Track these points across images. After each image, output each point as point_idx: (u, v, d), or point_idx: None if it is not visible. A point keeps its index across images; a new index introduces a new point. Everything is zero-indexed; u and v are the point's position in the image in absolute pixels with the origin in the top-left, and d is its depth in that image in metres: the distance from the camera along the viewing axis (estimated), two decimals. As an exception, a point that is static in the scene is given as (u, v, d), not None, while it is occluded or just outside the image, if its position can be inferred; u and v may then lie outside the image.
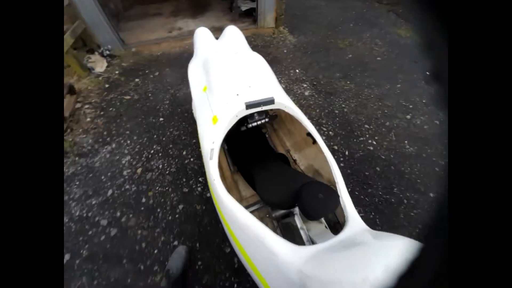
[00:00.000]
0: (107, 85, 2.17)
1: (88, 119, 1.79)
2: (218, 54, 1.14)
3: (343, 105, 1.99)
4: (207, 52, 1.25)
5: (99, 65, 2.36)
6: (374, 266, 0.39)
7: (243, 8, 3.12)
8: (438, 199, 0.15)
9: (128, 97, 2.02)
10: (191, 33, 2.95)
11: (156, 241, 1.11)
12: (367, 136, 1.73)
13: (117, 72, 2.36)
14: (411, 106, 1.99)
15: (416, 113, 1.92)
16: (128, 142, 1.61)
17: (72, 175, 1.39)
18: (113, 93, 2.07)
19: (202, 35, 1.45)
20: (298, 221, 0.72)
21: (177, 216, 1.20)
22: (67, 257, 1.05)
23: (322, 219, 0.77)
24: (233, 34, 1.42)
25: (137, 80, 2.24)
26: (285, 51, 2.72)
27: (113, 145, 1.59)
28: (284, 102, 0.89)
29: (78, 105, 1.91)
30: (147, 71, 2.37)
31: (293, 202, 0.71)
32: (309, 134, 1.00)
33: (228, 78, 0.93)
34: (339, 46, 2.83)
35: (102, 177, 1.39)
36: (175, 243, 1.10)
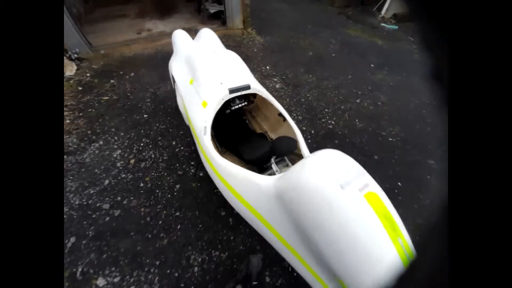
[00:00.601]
0: (80, 88, 2.15)
1: (67, 121, 1.79)
2: (200, 53, 1.36)
3: (308, 95, 2.38)
4: (188, 51, 1.45)
5: (68, 68, 2.30)
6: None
7: (212, 11, 3.32)
8: (438, 200, 0.14)
9: (106, 98, 2.05)
10: (161, 34, 3.06)
11: (159, 215, 1.28)
12: (327, 118, 2.14)
13: (88, 74, 2.33)
14: (359, 93, 2.50)
15: (363, 98, 2.43)
16: (116, 138, 1.69)
17: (65, 173, 1.44)
18: (88, 95, 2.07)
19: (181, 36, 1.63)
20: (274, 166, 1.01)
21: (175, 194, 1.39)
22: (72, 240, 1.15)
23: (289, 163, 1.08)
24: (209, 35, 1.65)
25: (112, 81, 2.27)
26: (255, 50, 3.02)
27: (100, 142, 1.65)
28: (258, 88, 1.17)
29: (52, 108, 1.88)
30: (121, 72, 2.40)
31: (269, 155, 1.00)
32: (280, 114, 1.31)
33: (212, 71, 1.18)
34: (301, 45, 3.27)
35: (96, 170, 1.47)
36: (177, 213, 1.29)
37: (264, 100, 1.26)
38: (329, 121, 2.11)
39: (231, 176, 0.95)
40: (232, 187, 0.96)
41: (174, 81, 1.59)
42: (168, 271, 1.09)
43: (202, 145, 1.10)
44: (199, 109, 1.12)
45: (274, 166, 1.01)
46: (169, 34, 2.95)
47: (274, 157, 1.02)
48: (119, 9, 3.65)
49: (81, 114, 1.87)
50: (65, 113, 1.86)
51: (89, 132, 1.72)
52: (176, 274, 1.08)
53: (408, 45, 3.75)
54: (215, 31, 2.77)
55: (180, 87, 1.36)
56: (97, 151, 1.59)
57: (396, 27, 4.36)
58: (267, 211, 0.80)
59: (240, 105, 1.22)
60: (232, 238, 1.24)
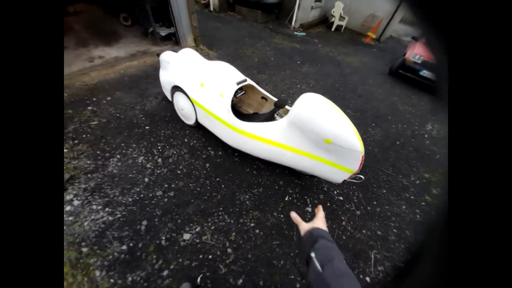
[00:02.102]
0: (54, 120, 2.09)
1: (66, 150, 1.81)
2: (201, 64, 1.92)
3: (266, 87, 3.23)
4: (188, 65, 1.95)
5: (26, 104, 2.14)
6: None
7: (163, 34, 3.68)
8: (438, 200, 0.15)
9: (95, 122, 2.12)
10: (117, 59, 3.22)
11: (205, 184, 1.70)
12: (284, 96, 3.05)
13: (54, 107, 2.25)
14: (297, 81, 3.58)
15: (301, 84, 3.52)
16: (130, 150, 1.90)
17: (97, 185, 1.57)
18: (71, 125, 2.07)
19: (171, 55, 2.07)
20: (277, 116, 1.72)
21: (208, 169, 1.83)
22: (144, 223, 1.41)
23: (283, 115, 1.82)
24: (192, 52, 2.17)
25: (90, 108, 2.30)
26: (213, 62, 3.64)
27: (118, 156, 1.82)
28: (249, 80, 1.84)
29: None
30: (94, 99, 2.44)
31: (273, 112, 1.71)
32: (263, 97, 2.03)
33: (221, 73, 1.78)
34: (247, 54, 4.15)
35: (130, 175, 1.68)
36: (217, 179, 1.75)
37: (248, 90, 1.96)
38: (284, 98, 3.02)
39: (255, 129, 1.57)
40: (257, 136, 1.58)
41: (174, 90, 2.01)
42: (230, 209, 1.57)
43: (227, 121, 1.66)
44: (218, 99, 1.68)
45: (277, 116, 1.72)
46: (126, 58, 3.18)
47: (278, 111, 1.74)
48: (47, 39, 3.33)
49: (76, 141, 1.90)
50: (56, 144, 1.85)
51: (98, 152, 1.83)
52: (237, 209, 1.58)
53: (315, 46, 5.41)
54: (171, 49, 3.33)
55: (190, 90, 1.83)
56: (119, 163, 1.77)
57: (304, 33, 6.08)
58: (285, 137, 1.48)
59: (240, 94, 1.86)
60: (260, 180, 1.83)
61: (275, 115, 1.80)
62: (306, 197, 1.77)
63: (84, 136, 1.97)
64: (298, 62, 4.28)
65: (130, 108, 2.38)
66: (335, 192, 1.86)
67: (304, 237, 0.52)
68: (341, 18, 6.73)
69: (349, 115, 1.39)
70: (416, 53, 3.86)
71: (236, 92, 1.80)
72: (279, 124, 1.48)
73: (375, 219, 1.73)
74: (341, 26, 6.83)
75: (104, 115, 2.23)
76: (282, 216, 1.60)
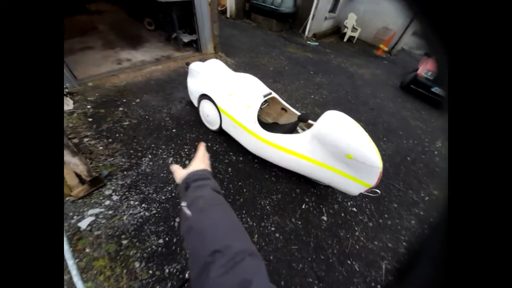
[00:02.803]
0: (90, 119, 2.28)
1: (101, 148, 1.98)
2: (230, 75, 2.08)
3: (282, 96, 3.37)
4: (217, 76, 2.12)
5: (65, 103, 2.34)
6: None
7: (185, 40, 3.88)
8: (438, 201, 0.15)
9: (127, 123, 2.30)
10: (144, 63, 3.41)
11: (228, 188, 1.84)
12: (299, 106, 3.19)
13: (89, 106, 2.44)
14: (311, 91, 3.72)
15: (314, 94, 3.65)
16: (160, 151, 2.06)
17: (133, 182, 1.72)
18: (105, 124, 2.25)
19: (200, 66, 2.24)
20: (300, 129, 1.85)
21: (231, 173, 1.97)
22: (177, 220, 1.56)
23: (305, 128, 1.95)
24: (219, 63, 2.34)
25: (121, 109, 2.48)
26: (231, 69, 3.81)
27: (149, 156, 1.98)
28: (273, 93, 1.99)
29: (75, 140, 1.99)
30: (124, 100, 2.62)
31: (295, 125, 1.84)
32: (283, 108, 2.18)
33: (249, 86, 1.93)
34: (262, 63, 4.32)
35: (161, 175, 1.83)
36: (240, 183, 1.89)
37: (270, 100, 2.11)
38: (300, 108, 3.15)
39: (279, 140, 1.71)
40: (281, 146, 1.71)
41: (201, 97, 2.17)
42: (252, 213, 1.70)
43: (252, 130, 1.80)
44: (245, 110, 1.83)
45: (300, 130, 1.86)
46: (151, 63, 3.38)
47: (299, 124, 1.88)
48: (79, 41, 3.57)
49: (110, 140, 2.07)
50: (93, 141, 2.02)
51: (131, 151, 2.00)
52: (258, 213, 1.71)
53: (327, 56, 5.55)
54: (192, 56, 3.56)
55: (218, 99, 1.98)
56: (151, 163, 1.93)
57: (317, 43, 6.24)
58: (307, 149, 1.61)
59: (265, 105, 2.00)
60: (278, 187, 1.96)
61: (298, 128, 1.94)
62: (321, 206, 1.89)
63: (117, 135, 2.14)
64: (311, 72, 4.43)
65: (158, 111, 2.55)
66: (349, 203, 1.97)
67: (179, 188, 0.45)
68: (354, 29, 6.88)
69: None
70: (429, 69, 3.95)
71: (261, 104, 1.94)
72: (303, 137, 1.62)
73: (386, 232, 1.83)
74: (353, 37, 6.97)
75: (135, 116, 2.40)
76: (299, 222, 1.72)
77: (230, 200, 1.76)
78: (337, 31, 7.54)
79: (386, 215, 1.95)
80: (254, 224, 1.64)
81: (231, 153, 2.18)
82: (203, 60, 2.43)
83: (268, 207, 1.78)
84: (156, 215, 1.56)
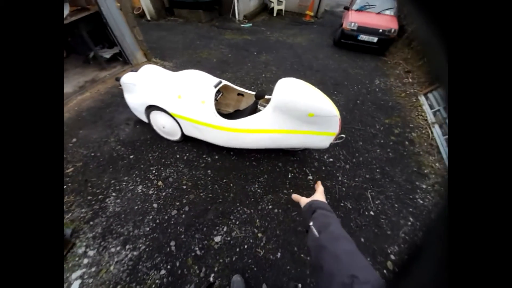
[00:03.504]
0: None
1: (48, 208, 1.63)
2: (173, 77, 1.90)
3: (234, 83, 3.30)
4: (158, 78, 1.91)
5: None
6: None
7: (107, 56, 3.35)
8: (438, 201, 0.15)
9: (70, 169, 1.92)
10: (65, 96, 2.81)
11: (214, 189, 1.77)
12: (254, 88, 3.19)
13: (9, 168, 1.94)
14: (260, 71, 3.75)
15: (264, 71, 3.70)
16: (124, 184, 1.81)
17: (106, 229, 1.49)
18: (41, 181, 1.84)
19: (132, 76, 1.97)
20: (261, 107, 1.87)
21: (211, 175, 1.89)
22: (172, 243, 1.43)
23: (265, 104, 1.97)
24: (153, 67, 2.10)
25: (55, 156, 2.05)
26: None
27: (113, 194, 1.72)
28: (224, 81, 1.92)
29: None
30: (55, 146, 2.17)
31: (255, 107, 1.84)
32: (239, 94, 2.14)
33: (197, 81, 1.82)
34: (203, 56, 4.10)
35: (135, 207, 1.63)
36: (224, 180, 1.84)
37: (224, 90, 2.04)
38: (253, 87, 3.17)
39: (245, 124, 1.69)
40: (249, 129, 1.70)
41: (149, 110, 1.95)
42: (246, 202, 1.69)
43: (216, 124, 1.73)
44: (201, 107, 1.72)
45: (261, 107, 1.87)
46: (75, 92, 2.85)
47: (259, 102, 1.88)
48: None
49: (56, 195, 1.72)
50: (34, 206, 1.64)
51: (89, 197, 1.70)
52: (252, 199, 1.71)
53: (264, 34, 5.61)
54: (122, 71, 3.17)
55: (168, 106, 1.81)
56: (118, 200, 1.68)
57: (250, 24, 6.21)
58: (273, 122, 1.64)
59: (219, 96, 1.92)
60: (262, 168, 1.98)
61: (258, 106, 1.94)
62: (304, 168, 2.01)
63: (65, 187, 1.78)
64: (255, 53, 4.43)
65: (103, 142, 2.20)
66: (325, 156, 2.14)
67: (303, 209, 0.56)
68: (279, 2, 7.05)
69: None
70: (351, 21, 4.40)
71: (215, 95, 1.86)
72: (266, 113, 1.63)
73: (361, 167, 2.08)
74: (281, 10, 7.17)
75: (77, 159, 2.02)
76: (291, 191, 1.80)
77: (220, 200, 1.70)
78: (265, 8, 7.61)
79: (356, 154, 2.21)
80: (252, 211, 1.64)
81: (204, 156, 2.07)
82: (135, 70, 2.14)
83: (259, 190, 1.79)
84: (147, 249, 1.40)
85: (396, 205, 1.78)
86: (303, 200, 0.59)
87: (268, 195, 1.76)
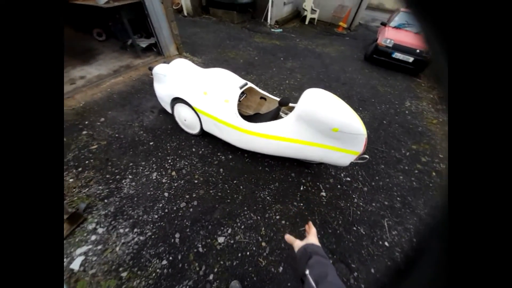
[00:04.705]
0: (49, 151, 1.98)
1: (71, 180, 1.74)
2: (201, 73, 1.95)
3: (257, 86, 3.31)
4: (187, 76, 1.97)
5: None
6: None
7: (143, 45, 3.56)
8: (439, 202, 0.15)
9: (95, 146, 2.05)
10: (100, 77, 3.08)
11: (224, 188, 1.77)
12: (276, 93, 3.17)
13: (44, 137, 2.12)
14: (285, 77, 3.73)
15: (288, 78, 3.67)
16: (141, 168, 1.88)
17: (118, 209, 1.55)
18: (69, 153, 1.98)
19: (164, 68, 2.06)
20: (283, 114, 1.83)
21: (223, 174, 1.89)
22: (177, 235, 1.45)
23: (288, 112, 1.93)
24: (185, 62, 2.18)
25: (84, 132, 2.21)
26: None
27: (130, 177, 1.80)
28: (249, 83, 1.92)
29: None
30: (86, 122, 2.33)
31: (277, 110, 1.81)
32: (262, 97, 2.13)
33: (224, 80, 1.84)
34: (231, 56, 4.19)
35: (148, 193, 1.68)
36: (235, 181, 1.82)
37: (247, 92, 2.05)
38: (275, 93, 3.15)
39: (265, 129, 1.67)
40: (268, 135, 1.68)
41: (174, 102, 2.02)
42: (254, 207, 1.66)
43: (236, 125, 1.73)
44: (224, 105, 1.74)
45: (283, 114, 1.83)
46: (109, 75, 3.06)
47: (281, 108, 1.85)
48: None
49: (80, 169, 1.83)
50: (60, 176, 1.77)
51: (108, 176, 1.79)
52: (260, 206, 1.67)
53: (293, 40, 5.60)
54: (154, 61, 3.32)
55: (193, 100, 1.85)
56: (133, 183, 1.75)
57: (281, 29, 6.24)
58: (294, 131, 1.59)
59: (243, 97, 1.93)
60: (274, 175, 1.94)
61: (280, 113, 1.92)
62: (318, 183, 1.93)
63: (87, 162, 1.90)
64: (282, 58, 4.43)
65: (128, 126, 2.32)
66: (342, 174, 2.04)
67: (298, 254, 0.53)
68: (313, 11, 7.01)
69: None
70: (387, 37, 4.21)
71: (239, 96, 1.87)
72: (288, 121, 1.60)
73: (381, 192, 1.94)
74: (314, 19, 7.12)
75: (103, 137, 2.15)
76: (301, 204, 1.73)
77: (228, 200, 1.69)
78: (297, 15, 7.62)
79: (376, 177, 2.07)
80: (259, 217, 1.61)
81: (219, 154, 2.08)
82: (167, 62, 2.24)
83: (268, 197, 1.75)
84: (153, 236, 1.43)
85: (415, 240, 1.62)
86: (297, 243, 0.56)
87: (277, 204, 1.71)
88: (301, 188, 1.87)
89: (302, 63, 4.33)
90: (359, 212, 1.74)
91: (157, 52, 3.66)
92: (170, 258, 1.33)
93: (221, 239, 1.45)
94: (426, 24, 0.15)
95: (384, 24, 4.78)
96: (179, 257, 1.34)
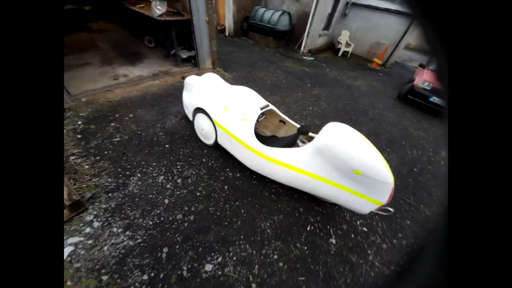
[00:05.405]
0: (79, 136, 2.16)
1: (87, 166, 1.83)
2: (226, 88, 2.01)
3: (279, 108, 3.32)
4: (213, 89, 2.04)
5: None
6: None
7: (184, 56, 3.94)
8: (439, 203, 0.40)
9: (117, 139, 2.18)
10: (141, 78, 3.39)
11: (224, 208, 1.66)
12: (298, 118, 3.11)
13: (80, 122, 2.34)
14: (309, 103, 3.69)
15: (313, 105, 3.62)
16: (151, 169, 1.91)
17: (118, 206, 1.55)
18: (94, 140, 2.13)
19: (196, 80, 2.18)
20: (300, 142, 1.73)
21: (227, 192, 1.80)
22: (165, 250, 1.36)
23: (306, 141, 1.83)
24: (214, 76, 2.29)
25: (112, 124, 2.38)
26: (229, 83, 3.81)
27: (138, 175, 1.83)
28: (271, 106, 1.91)
29: (60, 159, 1.85)
30: (117, 115, 2.53)
31: (295, 138, 1.73)
32: (281, 121, 2.09)
33: (245, 98, 1.85)
34: (260, 77, 4.36)
35: (150, 196, 1.66)
36: (237, 203, 1.71)
37: (267, 113, 2.02)
38: (298, 120, 3.08)
39: (278, 154, 1.58)
40: (280, 161, 1.58)
41: (196, 111, 2.09)
42: (252, 238, 1.50)
43: (249, 145, 1.68)
44: (241, 123, 1.72)
45: (300, 143, 1.74)
46: (148, 78, 3.36)
47: (300, 136, 1.76)
48: (78, 58, 3.60)
49: (98, 158, 1.93)
50: (79, 160, 1.88)
51: (119, 169, 1.85)
52: (258, 238, 1.51)
53: (323, 69, 5.67)
54: (190, 71, 3.57)
55: (213, 113, 1.89)
56: (139, 182, 1.77)
57: (313, 58, 6.43)
58: (309, 164, 1.48)
59: (261, 118, 1.91)
60: (279, 205, 1.78)
61: (298, 141, 1.83)
62: (328, 226, 1.70)
63: (106, 152, 2.00)
64: (309, 85, 4.46)
65: (151, 125, 2.45)
66: (358, 222, 1.79)
67: None
68: (347, 45, 7.16)
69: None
70: (425, 79, 3.99)
71: (258, 117, 1.85)
72: (305, 151, 1.49)
73: (403, 254, 1.62)
74: (347, 52, 7.23)
75: (126, 132, 2.29)
76: (305, 248, 1.52)
77: (226, 223, 1.57)
78: (331, 46, 7.85)
79: (400, 234, 1.76)
80: (254, 252, 1.44)
81: (227, 169, 2.03)
82: (199, 74, 2.40)
83: (269, 230, 1.59)
84: (141, 244, 1.36)
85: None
86: None
87: (277, 241, 1.53)
88: (308, 228, 1.66)
89: (329, 92, 4.28)
90: (372, 274, 1.45)
91: (194, 63, 4.00)
92: (152, 274, 1.23)
93: (208, 267, 1.32)
94: (426, 24, 0.15)
95: (422, 66, 4.58)
96: (161, 276, 1.23)
